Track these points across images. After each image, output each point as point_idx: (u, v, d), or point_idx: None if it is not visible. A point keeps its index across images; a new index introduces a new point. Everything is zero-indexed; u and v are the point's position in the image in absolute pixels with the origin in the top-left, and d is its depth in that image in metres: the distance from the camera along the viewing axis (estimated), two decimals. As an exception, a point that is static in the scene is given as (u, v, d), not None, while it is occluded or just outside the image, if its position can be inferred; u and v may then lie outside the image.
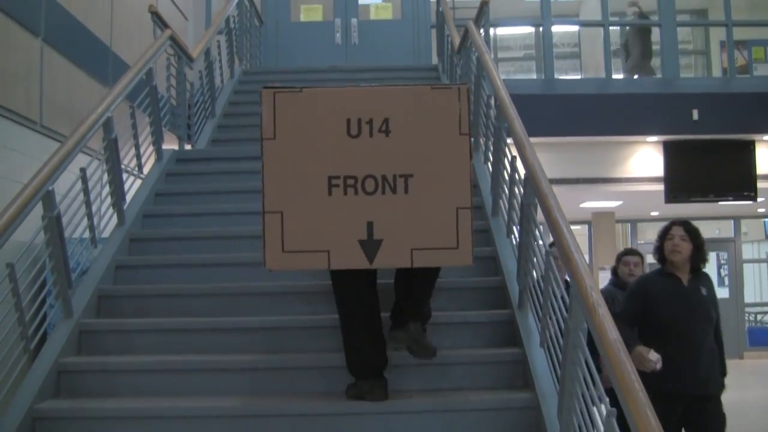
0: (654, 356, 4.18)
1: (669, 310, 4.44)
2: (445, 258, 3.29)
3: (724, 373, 4.65)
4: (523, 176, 4.04)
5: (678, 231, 4.56)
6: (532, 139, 4.19)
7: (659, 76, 10.89)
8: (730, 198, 10.60)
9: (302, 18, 10.96)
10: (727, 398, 4.66)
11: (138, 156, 5.52)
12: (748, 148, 10.30)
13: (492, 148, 5.05)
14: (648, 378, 4.01)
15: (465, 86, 3.32)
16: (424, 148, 3.25)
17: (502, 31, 13.92)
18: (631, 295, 4.70)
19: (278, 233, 3.22)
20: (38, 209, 3.85)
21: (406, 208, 3.22)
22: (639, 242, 15.77)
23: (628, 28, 11.81)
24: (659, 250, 4.64)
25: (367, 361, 3.55)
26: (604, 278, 14.27)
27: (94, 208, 4.58)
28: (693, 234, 4.55)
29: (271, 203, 3.23)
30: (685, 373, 4.33)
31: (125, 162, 5.24)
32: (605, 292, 5.45)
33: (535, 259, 3.87)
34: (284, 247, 3.23)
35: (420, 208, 3.23)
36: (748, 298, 15.80)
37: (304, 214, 3.24)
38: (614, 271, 5.87)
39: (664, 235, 4.62)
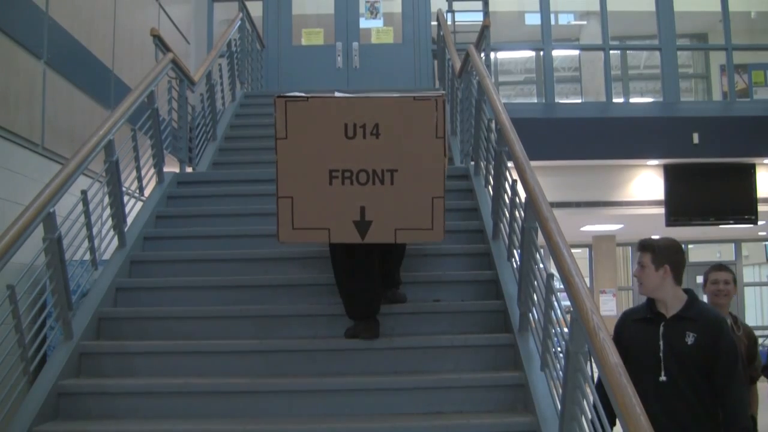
0: None
1: None
2: (421, 236, 3.92)
3: None
4: (523, 200, 4.05)
5: None
6: (533, 163, 4.21)
7: (657, 99, 10.93)
8: (731, 221, 10.59)
9: (304, 42, 11.00)
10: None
11: (139, 178, 5.53)
12: (749, 172, 10.31)
13: (493, 172, 5.05)
14: None
15: (441, 97, 3.82)
16: (406, 148, 3.82)
17: (502, 55, 13.99)
18: None
19: (289, 214, 3.82)
20: (39, 231, 3.86)
21: (391, 196, 3.81)
22: (640, 266, 15.73)
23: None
24: None
25: (359, 305, 4.12)
26: (605, 301, 14.31)
27: (95, 231, 4.59)
28: None
29: (283, 190, 3.82)
30: None
31: (126, 184, 5.24)
32: None
33: (535, 283, 3.87)
34: (294, 225, 3.84)
35: (402, 196, 3.82)
36: (750, 321, 15.69)
37: (309, 199, 3.83)
38: None
39: None
